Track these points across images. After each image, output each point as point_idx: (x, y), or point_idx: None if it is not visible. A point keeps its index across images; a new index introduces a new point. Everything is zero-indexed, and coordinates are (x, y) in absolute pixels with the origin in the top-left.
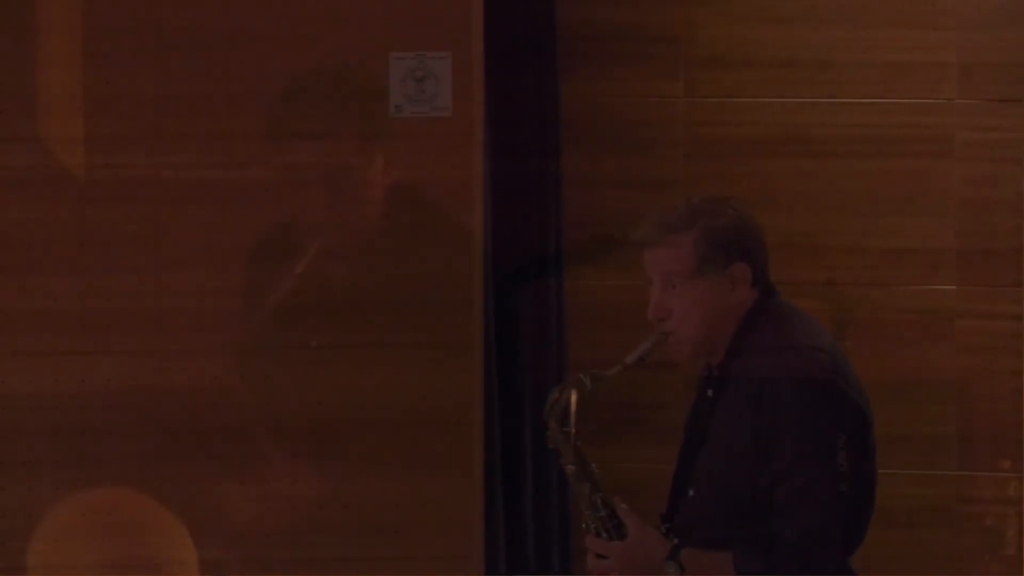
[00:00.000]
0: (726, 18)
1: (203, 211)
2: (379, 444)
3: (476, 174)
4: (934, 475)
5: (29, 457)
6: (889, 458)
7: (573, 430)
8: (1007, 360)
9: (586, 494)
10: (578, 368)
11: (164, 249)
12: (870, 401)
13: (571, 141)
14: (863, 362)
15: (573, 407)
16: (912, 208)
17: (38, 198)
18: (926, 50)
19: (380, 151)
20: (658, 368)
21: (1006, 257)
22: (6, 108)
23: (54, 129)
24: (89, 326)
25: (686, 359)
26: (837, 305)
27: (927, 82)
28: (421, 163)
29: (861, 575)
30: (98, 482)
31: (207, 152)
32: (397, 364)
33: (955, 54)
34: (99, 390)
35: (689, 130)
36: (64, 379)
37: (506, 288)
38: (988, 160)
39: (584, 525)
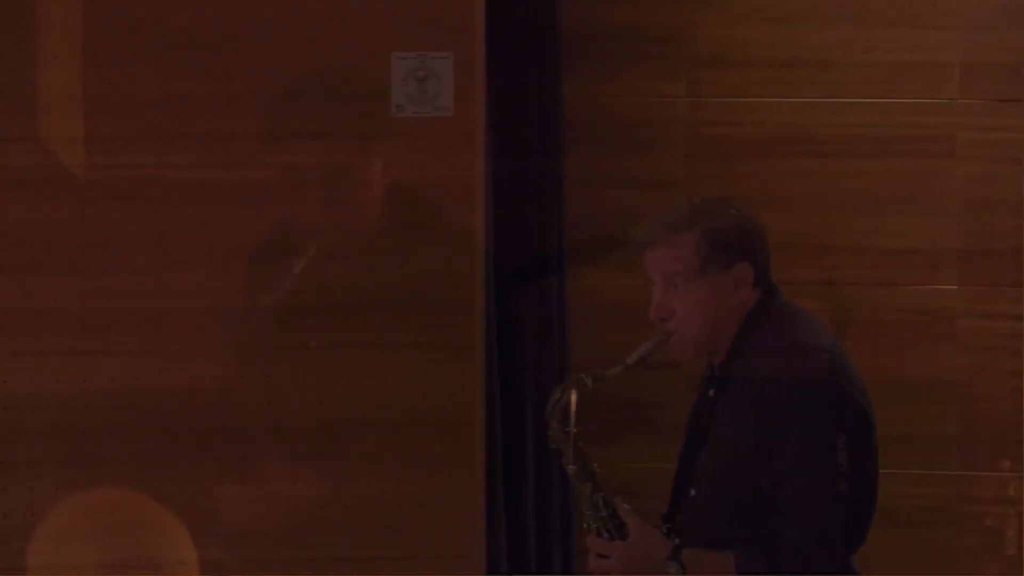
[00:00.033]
0: (728, 18)
1: (203, 211)
2: (379, 444)
3: (477, 174)
4: (935, 475)
5: (30, 457)
6: (890, 458)
7: (574, 430)
8: (1008, 360)
9: (587, 494)
10: (579, 368)
11: (164, 249)
12: (871, 401)
13: (572, 141)
14: (864, 362)
15: (574, 407)
16: (913, 208)
17: (38, 198)
18: (928, 50)
19: (381, 151)
20: (660, 368)
21: (1007, 257)
22: (6, 108)
23: (54, 129)
24: (90, 326)
25: (688, 359)
26: (838, 305)
27: (929, 82)
28: (422, 163)
29: (863, 575)
30: (99, 482)
31: (207, 152)
32: (398, 364)
33: (957, 54)
34: (100, 390)
35: (691, 130)
36: (65, 379)
37: (507, 288)
38: (990, 160)
39: (585, 525)
